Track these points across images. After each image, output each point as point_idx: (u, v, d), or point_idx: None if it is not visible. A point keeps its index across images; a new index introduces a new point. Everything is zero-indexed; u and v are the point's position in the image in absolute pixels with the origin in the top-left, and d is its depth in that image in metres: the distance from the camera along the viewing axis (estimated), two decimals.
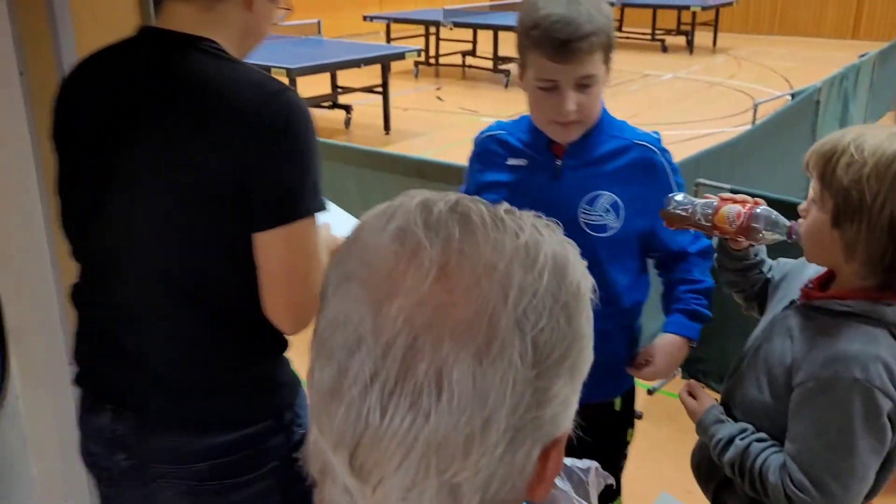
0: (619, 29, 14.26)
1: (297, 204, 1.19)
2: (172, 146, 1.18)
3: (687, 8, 13.14)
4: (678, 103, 9.22)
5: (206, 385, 1.28)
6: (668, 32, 13.69)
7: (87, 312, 1.35)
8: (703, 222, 1.45)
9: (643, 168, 1.63)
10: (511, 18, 11.59)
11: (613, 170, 1.63)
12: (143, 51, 1.25)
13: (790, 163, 5.42)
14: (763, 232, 1.38)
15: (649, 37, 13.66)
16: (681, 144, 7.20)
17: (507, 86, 10.21)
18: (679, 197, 1.50)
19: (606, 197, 1.61)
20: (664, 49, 13.38)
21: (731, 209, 1.42)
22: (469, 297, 0.50)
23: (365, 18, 11.91)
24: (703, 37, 13.74)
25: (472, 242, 0.52)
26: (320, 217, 1.25)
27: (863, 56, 6.89)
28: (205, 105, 1.17)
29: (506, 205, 0.58)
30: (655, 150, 1.66)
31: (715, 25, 13.73)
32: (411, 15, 12.34)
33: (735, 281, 1.56)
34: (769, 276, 1.55)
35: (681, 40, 13.61)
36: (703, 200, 1.46)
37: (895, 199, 1.18)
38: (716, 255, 1.61)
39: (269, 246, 1.19)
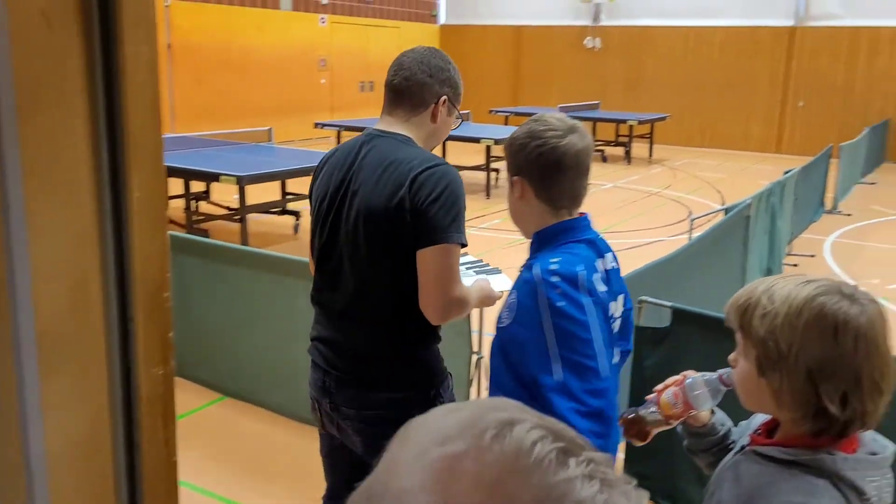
0: None
1: (444, 233, 1.91)
2: (365, 192, 1.97)
3: (624, 121, 13.86)
4: (619, 212, 9.58)
5: (381, 357, 2.04)
6: (608, 144, 14.36)
7: (320, 308, 2.15)
8: (657, 418, 1.56)
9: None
10: (459, 129, 11.98)
11: None
12: (365, 138, 2.07)
13: (725, 275, 5.67)
14: (704, 394, 1.47)
15: None
16: (624, 254, 7.45)
17: None
18: (630, 409, 1.65)
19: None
20: (604, 159, 14.00)
21: (667, 395, 1.53)
22: None
23: (316, 125, 12.19)
24: (640, 148, 14.45)
25: None
26: (489, 278, 2.34)
27: (787, 172, 7.32)
28: (388, 168, 1.96)
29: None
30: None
31: (650, 138, 14.48)
32: (360, 123, 12.70)
33: (713, 461, 1.50)
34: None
35: (619, 151, 14.27)
36: (645, 404, 1.59)
37: (809, 347, 1.18)
38: (685, 442, 1.61)
39: (424, 260, 1.91)
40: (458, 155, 11.79)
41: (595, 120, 14.50)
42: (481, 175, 10.80)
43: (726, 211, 5.72)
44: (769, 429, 1.36)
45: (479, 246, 7.56)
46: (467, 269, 2.62)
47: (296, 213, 8.24)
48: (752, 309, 1.25)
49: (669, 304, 3.35)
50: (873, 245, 8.25)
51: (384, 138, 2.03)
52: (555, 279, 1.68)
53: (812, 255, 7.56)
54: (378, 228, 1.95)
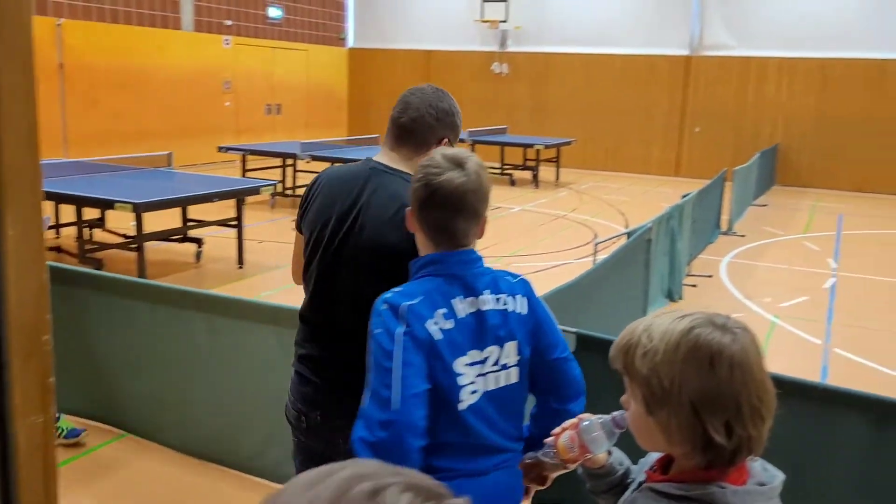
0: None
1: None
2: (374, 230, 2.03)
3: (531, 146, 14.15)
4: (527, 235, 9.74)
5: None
6: (516, 167, 14.62)
7: (314, 327, 2.19)
8: (555, 462, 1.61)
9: None
10: (367, 152, 11.95)
11: None
12: (369, 174, 2.14)
13: (629, 297, 5.82)
14: (600, 436, 1.51)
15: (499, 171, 14.52)
16: (532, 276, 7.56)
17: None
18: (529, 453, 1.69)
19: None
20: (512, 183, 14.23)
21: (564, 438, 1.57)
22: None
23: (220, 149, 11.89)
24: (547, 172, 14.78)
25: None
26: None
27: (685, 196, 7.62)
28: (393, 205, 2.01)
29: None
30: None
31: (557, 162, 14.83)
32: (267, 147, 12.48)
33: (614, 501, 1.51)
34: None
35: (527, 175, 14.55)
36: (543, 448, 1.64)
37: (689, 380, 1.20)
38: (587, 484, 1.62)
39: None
40: None
41: (503, 144, 14.76)
42: None
43: (628, 235, 5.88)
44: (663, 464, 1.37)
45: None
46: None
47: (198, 241, 7.97)
48: (633, 349, 1.26)
49: (574, 329, 3.38)
50: (765, 265, 8.67)
51: (391, 175, 2.12)
52: (383, 307, 1.71)
53: (710, 276, 7.87)
54: (389, 263, 1.99)
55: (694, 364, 1.21)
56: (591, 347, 3.36)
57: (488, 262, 1.88)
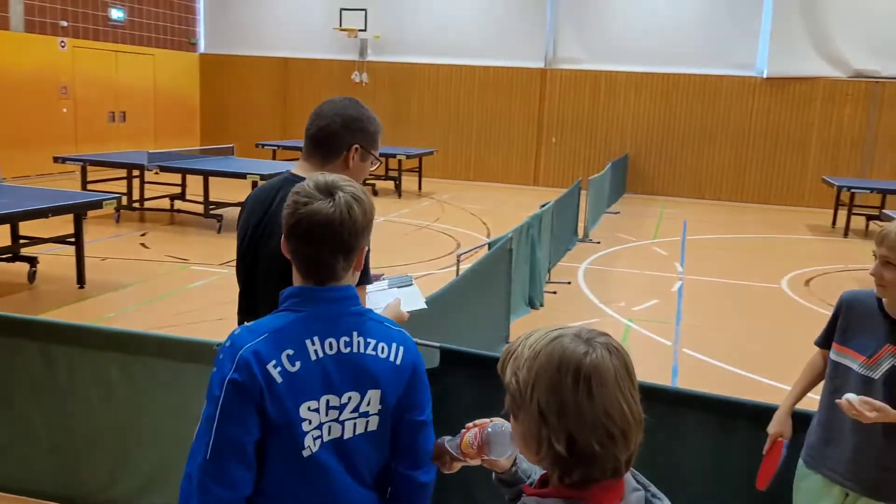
0: None
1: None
2: (279, 236, 1.79)
3: (394, 156, 14.08)
4: (391, 246, 9.62)
5: None
6: (378, 178, 14.50)
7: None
8: (456, 453, 1.63)
9: None
10: (222, 163, 11.53)
11: None
12: (282, 183, 2.23)
13: (492, 307, 5.82)
14: (501, 443, 1.52)
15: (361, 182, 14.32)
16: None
17: (219, 231, 9.93)
18: (447, 438, 1.69)
19: None
20: (375, 193, 14.09)
21: (470, 434, 1.59)
22: None
23: (56, 160, 10.98)
24: (409, 182, 14.76)
25: None
26: (399, 292, 2.49)
27: (544, 205, 7.77)
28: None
29: None
30: None
31: (419, 172, 14.85)
32: (111, 157, 11.66)
33: None
34: None
35: (390, 185, 14.47)
36: (457, 435, 1.66)
37: (539, 386, 1.21)
38: (500, 490, 1.63)
39: None
40: (223, 191, 11.23)
41: None
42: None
43: (490, 245, 5.89)
44: (544, 479, 1.34)
45: None
46: (390, 287, 2.58)
47: (31, 260, 7.27)
48: (509, 357, 1.28)
49: (437, 344, 3.29)
50: (619, 270, 9.01)
51: (295, 184, 2.17)
52: (226, 344, 1.62)
53: (568, 283, 8.06)
54: (288, 272, 1.92)
55: (546, 370, 1.22)
56: (455, 361, 3.29)
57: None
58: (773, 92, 15.33)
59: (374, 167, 2.42)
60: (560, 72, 16.45)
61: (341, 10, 17.03)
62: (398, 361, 1.70)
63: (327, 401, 1.62)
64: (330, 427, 1.63)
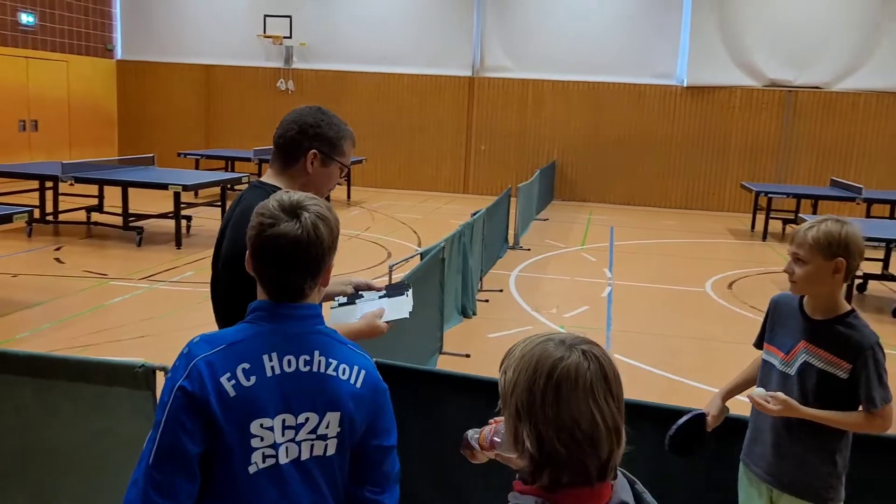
0: None
1: None
2: (228, 241, 2.16)
3: None
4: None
5: None
6: None
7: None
8: (474, 445, 1.69)
9: None
10: (143, 174, 11.11)
11: None
12: (246, 191, 2.27)
13: (425, 315, 5.75)
14: (506, 439, 1.52)
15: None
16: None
17: (140, 244, 9.56)
18: (472, 431, 1.74)
19: None
20: None
21: (486, 430, 1.65)
22: None
23: None
24: (338, 191, 14.56)
25: None
26: (387, 302, 2.47)
27: (475, 214, 7.76)
28: (244, 218, 1.91)
29: None
30: None
31: (348, 181, 14.67)
32: (21, 168, 11.10)
33: None
34: None
35: None
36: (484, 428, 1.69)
37: (518, 384, 1.27)
38: None
39: None
40: (144, 203, 10.84)
41: None
42: (170, 224, 9.99)
43: (422, 255, 5.82)
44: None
45: (171, 303, 6.88)
46: (384, 296, 2.54)
47: None
48: (504, 359, 1.34)
49: (372, 359, 3.21)
50: (550, 277, 9.07)
51: (257, 189, 2.24)
52: (185, 350, 1.61)
53: (500, 290, 8.07)
54: (233, 276, 2.07)
55: (525, 372, 1.27)
56: (387, 375, 3.21)
57: None
58: (693, 100, 15.80)
59: (343, 174, 2.39)
60: (488, 80, 16.56)
61: (265, 16, 16.74)
62: (358, 385, 1.65)
63: (283, 420, 1.59)
64: (287, 448, 1.59)
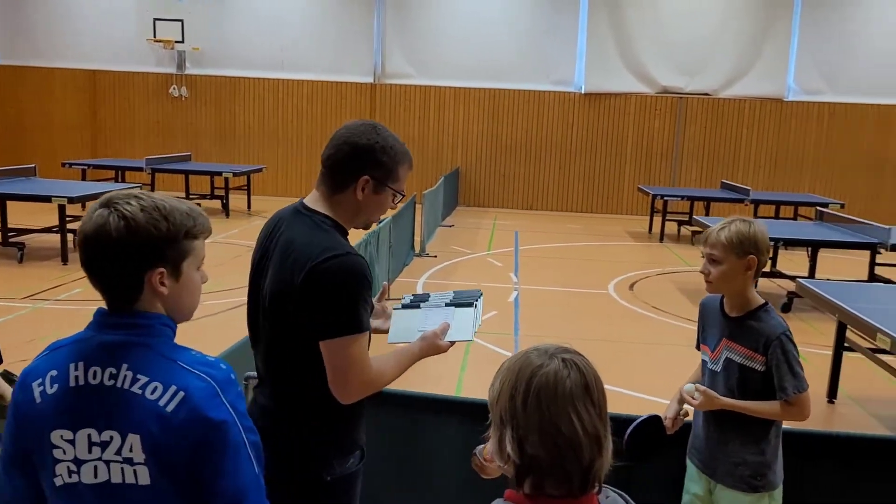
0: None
1: (338, 328, 1.99)
2: (273, 275, 2.05)
3: (219, 173, 13.41)
4: (216, 270, 9.07)
5: (285, 427, 2.15)
6: (203, 197, 13.74)
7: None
8: (481, 459, 1.81)
9: None
10: (22, 185, 10.38)
11: None
12: (286, 215, 2.14)
13: None
14: None
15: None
16: (224, 316, 6.98)
17: (21, 260, 8.91)
18: (480, 447, 1.81)
19: None
20: None
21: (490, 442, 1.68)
22: None
23: None
24: (238, 201, 14.10)
25: None
26: (455, 313, 2.28)
27: (380, 221, 7.63)
28: (291, 254, 2.01)
29: None
30: None
31: (248, 190, 14.24)
32: None
33: None
34: None
35: (217, 204, 13.75)
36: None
37: (503, 392, 1.31)
38: None
39: (324, 352, 2.04)
40: (24, 216, 10.16)
41: (187, 172, 13.81)
42: (55, 238, 9.37)
43: None
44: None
45: (58, 323, 6.41)
46: (452, 302, 2.37)
47: None
48: (497, 373, 1.39)
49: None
50: (457, 283, 9.03)
51: (303, 217, 2.08)
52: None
53: None
54: (279, 313, 2.02)
55: (508, 381, 1.31)
56: None
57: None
58: (591, 107, 16.20)
59: (397, 202, 2.20)
60: (390, 87, 16.46)
61: (155, 20, 16.05)
62: (169, 408, 1.41)
63: (88, 435, 1.44)
64: (96, 467, 1.44)
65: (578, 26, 15.98)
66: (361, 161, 2.07)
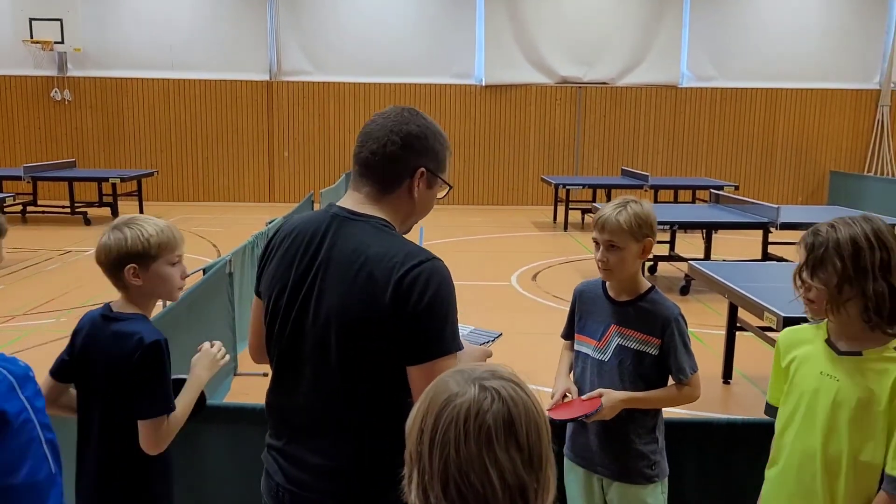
0: (35, 203, 13.03)
1: (440, 346, 1.71)
2: (336, 295, 1.70)
3: (106, 179, 12.72)
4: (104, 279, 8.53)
5: (346, 480, 1.83)
6: (91, 204, 13.01)
7: (278, 415, 1.89)
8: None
9: None
10: None
11: None
12: (328, 222, 1.79)
13: (215, 335, 5.24)
14: None
15: (69, 210, 12.77)
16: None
17: None
18: None
19: None
20: (87, 222, 12.61)
21: None
22: None
23: None
24: (129, 207, 13.39)
25: None
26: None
27: (270, 222, 7.31)
28: (357, 261, 1.69)
29: None
30: None
31: (139, 195, 13.55)
32: None
33: None
34: None
35: (105, 211, 13.04)
36: None
37: (416, 424, 1.09)
38: None
39: (419, 377, 1.71)
40: None
41: (72, 179, 13.03)
42: None
43: (205, 270, 5.31)
44: None
45: None
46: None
47: None
48: None
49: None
50: None
51: (356, 222, 1.76)
52: None
53: None
54: (355, 338, 1.68)
55: (422, 406, 1.08)
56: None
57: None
58: (492, 99, 16.18)
59: (444, 195, 1.92)
60: (287, 84, 15.99)
61: (31, 20, 15.06)
62: None
63: None
64: None
65: (476, 18, 15.92)
66: (415, 151, 1.80)
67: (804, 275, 1.95)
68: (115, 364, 2.06)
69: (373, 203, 1.82)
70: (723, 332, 6.03)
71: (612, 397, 2.36)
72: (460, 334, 2.28)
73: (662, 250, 9.51)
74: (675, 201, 13.54)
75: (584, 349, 2.55)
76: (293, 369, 1.80)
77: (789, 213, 8.75)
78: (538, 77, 16.11)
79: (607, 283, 2.53)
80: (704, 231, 9.33)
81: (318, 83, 15.98)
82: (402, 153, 1.80)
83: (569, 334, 2.68)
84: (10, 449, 1.40)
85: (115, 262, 2.13)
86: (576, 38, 15.91)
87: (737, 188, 13.05)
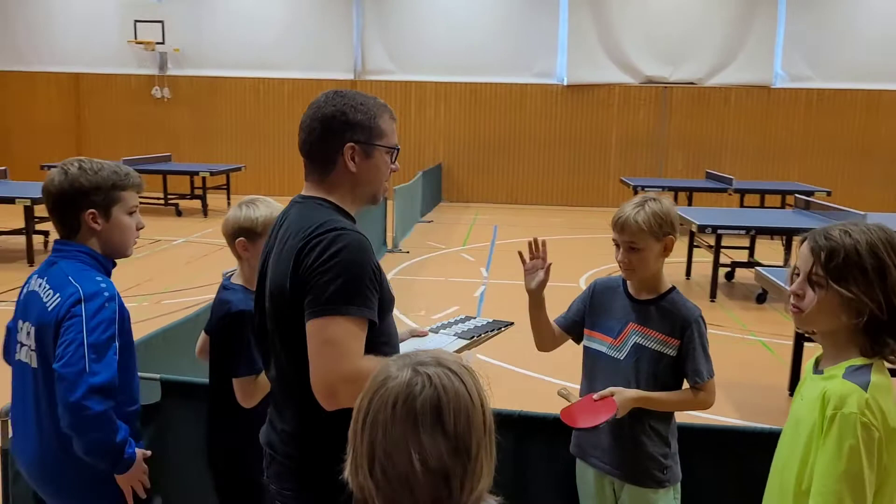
0: None
1: (326, 305, 1.73)
2: (275, 272, 1.85)
3: (197, 173, 13.32)
4: (186, 269, 8.98)
5: (306, 448, 1.96)
6: (183, 197, 13.67)
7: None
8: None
9: None
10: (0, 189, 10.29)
11: None
12: (286, 209, 2.00)
13: None
14: None
15: (162, 202, 13.46)
16: (187, 312, 6.88)
17: None
18: None
19: None
20: (179, 213, 13.26)
21: None
22: None
23: None
24: (218, 200, 14.01)
25: None
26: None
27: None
28: (295, 235, 1.82)
29: None
30: None
31: (227, 189, 14.14)
32: None
33: None
34: None
35: (196, 204, 13.67)
36: None
37: (356, 406, 1.16)
38: None
39: (308, 334, 1.80)
40: None
41: (166, 172, 13.73)
42: (21, 240, 9.29)
43: None
44: None
45: None
46: (455, 335, 2.38)
47: None
48: None
49: (158, 376, 2.96)
50: (424, 279, 8.92)
51: (301, 205, 1.92)
52: None
53: None
54: (281, 307, 1.81)
55: (363, 394, 1.12)
56: (177, 393, 2.97)
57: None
58: (573, 99, 16.02)
59: (395, 158, 1.99)
60: (370, 83, 16.32)
61: (136, 21, 15.98)
62: (49, 307, 2.12)
63: (20, 324, 2.26)
64: (22, 348, 2.23)
65: (559, 17, 15.80)
66: (337, 129, 1.89)
67: (814, 278, 1.75)
68: (216, 327, 2.44)
69: (318, 186, 1.94)
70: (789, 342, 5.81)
71: (625, 396, 2.30)
72: (473, 325, 2.33)
73: (741, 256, 9.21)
74: (762, 206, 13.05)
75: (596, 346, 2.50)
76: (265, 341, 1.98)
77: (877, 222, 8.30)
78: (622, 77, 15.85)
79: (628, 282, 2.48)
80: (784, 238, 8.98)
81: (400, 82, 16.24)
82: (325, 135, 1.90)
83: (564, 323, 2.62)
84: (68, 343, 2.06)
85: (229, 236, 2.51)
86: (662, 37, 15.56)
87: (829, 194, 12.45)
